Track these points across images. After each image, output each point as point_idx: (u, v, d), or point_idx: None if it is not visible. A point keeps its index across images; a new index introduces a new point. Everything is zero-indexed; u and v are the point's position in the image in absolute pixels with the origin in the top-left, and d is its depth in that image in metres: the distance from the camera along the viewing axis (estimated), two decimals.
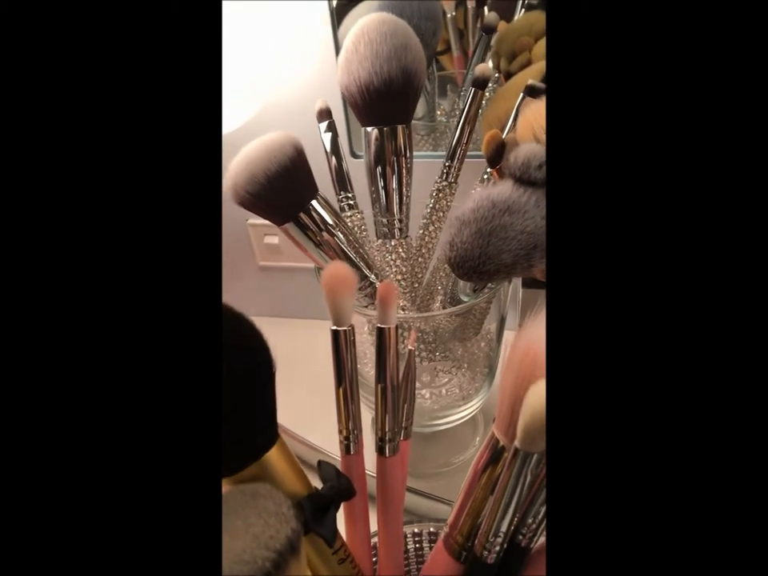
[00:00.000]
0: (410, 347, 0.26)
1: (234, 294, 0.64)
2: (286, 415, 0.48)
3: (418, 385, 0.39)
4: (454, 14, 0.55)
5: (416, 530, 0.28)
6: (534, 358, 0.20)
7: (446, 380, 0.39)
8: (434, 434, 0.46)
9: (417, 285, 0.42)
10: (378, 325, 0.24)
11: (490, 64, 0.47)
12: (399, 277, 0.40)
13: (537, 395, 0.18)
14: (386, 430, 0.24)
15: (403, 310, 0.39)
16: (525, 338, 0.21)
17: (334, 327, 0.24)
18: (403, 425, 0.26)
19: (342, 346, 0.24)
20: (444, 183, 0.40)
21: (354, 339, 0.24)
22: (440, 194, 0.40)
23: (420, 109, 0.55)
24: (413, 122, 0.57)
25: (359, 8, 0.50)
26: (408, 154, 0.38)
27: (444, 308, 0.37)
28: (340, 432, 0.25)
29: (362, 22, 0.35)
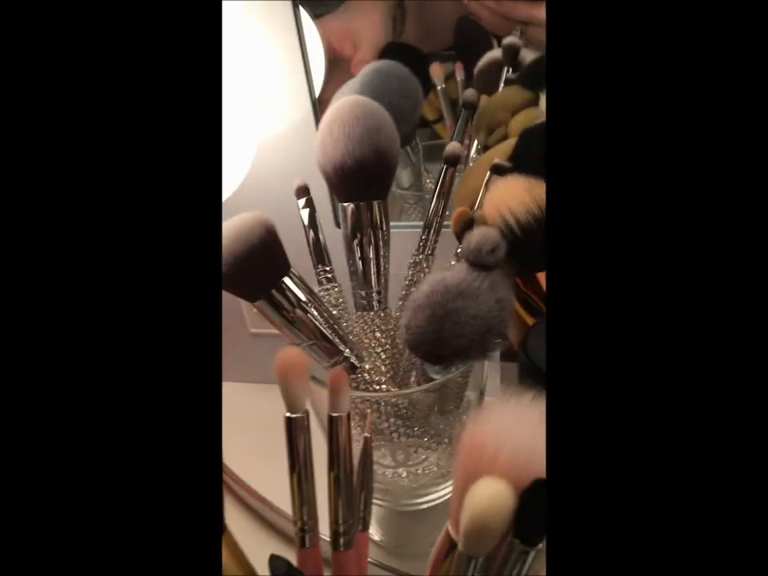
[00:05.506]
0: (366, 434, 0.25)
1: (226, 360, 0.64)
2: (271, 486, 0.47)
3: (393, 463, 0.38)
4: (444, 86, 0.56)
5: None
6: (480, 453, 0.19)
7: (423, 458, 0.38)
8: (421, 511, 0.44)
9: (398, 356, 0.41)
10: (330, 413, 0.23)
11: (475, 143, 0.48)
12: (380, 349, 0.40)
13: (478, 498, 0.17)
14: (340, 521, 0.24)
15: (378, 385, 0.38)
16: (473, 429, 0.20)
17: (288, 414, 0.23)
18: (360, 515, 0.25)
19: (295, 433, 0.23)
20: (420, 256, 0.40)
21: (309, 425, 0.24)
22: (417, 267, 0.40)
23: (406, 179, 0.56)
24: (401, 191, 0.58)
25: (342, 89, 0.51)
26: (384, 227, 0.38)
27: (419, 383, 0.36)
28: (294, 523, 0.24)
29: (337, 104, 0.36)
